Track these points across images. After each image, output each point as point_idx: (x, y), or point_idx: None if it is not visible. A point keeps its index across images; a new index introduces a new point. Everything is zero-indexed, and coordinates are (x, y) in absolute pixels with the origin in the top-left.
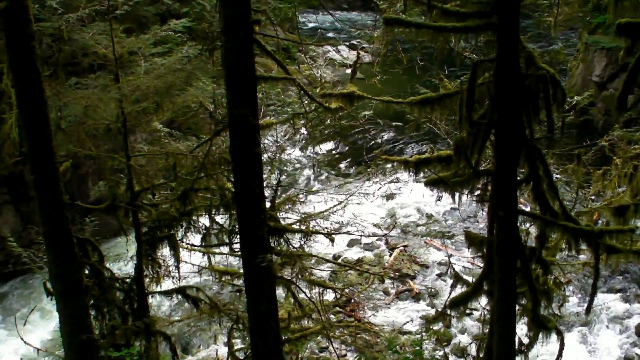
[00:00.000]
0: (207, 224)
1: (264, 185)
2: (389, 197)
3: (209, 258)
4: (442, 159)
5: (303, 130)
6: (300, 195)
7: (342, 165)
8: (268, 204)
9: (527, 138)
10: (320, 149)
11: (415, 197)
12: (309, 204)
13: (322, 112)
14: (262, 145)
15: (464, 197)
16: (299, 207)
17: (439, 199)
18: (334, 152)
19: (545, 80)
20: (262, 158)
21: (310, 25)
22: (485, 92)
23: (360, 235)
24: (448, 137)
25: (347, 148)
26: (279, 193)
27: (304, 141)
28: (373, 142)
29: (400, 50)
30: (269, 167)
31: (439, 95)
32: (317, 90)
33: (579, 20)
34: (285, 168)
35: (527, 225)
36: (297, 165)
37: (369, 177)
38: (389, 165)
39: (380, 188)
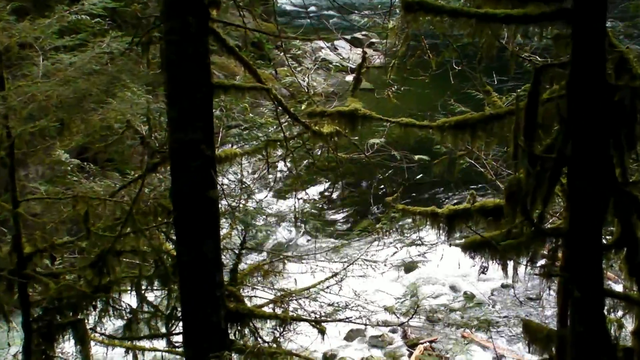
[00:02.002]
0: (134, 304)
1: (222, 247)
2: (409, 267)
3: (135, 357)
4: (488, 211)
5: (281, 166)
6: (276, 263)
7: (338, 218)
8: (227, 276)
9: (617, 181)
10: (307, 193)
11: (447, 267)
12: (288, 276)
13: (310, 138)
14: (219, 186)
15: (521, 269)
16: (274, 280)
17: (484, 271)
18: (326, 198)
19: None
20: (220, 206)
21: (294, 10)
22: (554, 113)
23: (365, 325)
24: (497, 179)
25: (346, 193)
26: (243, 259)
27: (282, 182)
28: (385, 184)
29: (427, 49)
30: (229, 220)
31: (483, 116)
32: (303, 107)
33: None
34: (253, 221)
35: (619, 313)
36: (272, 218)
37: (378, 236)
38: (409, 220)
39: (395, 254)
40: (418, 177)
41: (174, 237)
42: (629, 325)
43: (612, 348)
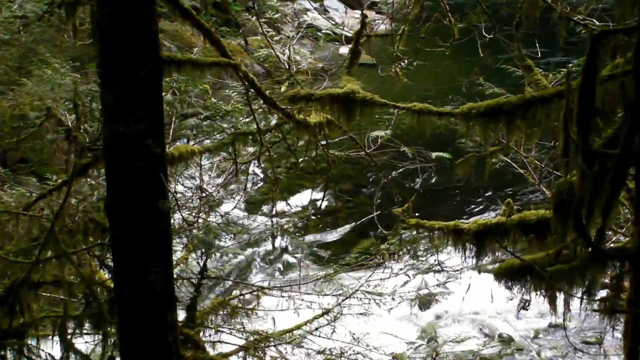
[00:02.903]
0: (57, 354)
1: (175, 276)
2: (425, 302)
3: None
4: (529, 226)
5: (254, 167)
6: (248, 297)
7: (329, 237)
8: (182, 315)
9: None
10: (288, 204)
11: (475, 301)
12: (264, 315)
13: (292, 131)
14: (171, 196)
15: (575, 304)
16: (245, 319)
17: (525, 306)
18: (314, 209)
19: None
20: (173, 222)
21: None
22: (617, 95)
23: None
24: (540, 182)
25: (340, 203)
26: (204, 292)
27: (255, 189)
28: (392, 191)
29: (448, 10)
30: (184, 240)
31: (523, 100)
32: (283, 89)
33: None
34: (217, 242)
35: None
36: (243, 236)
37: (383, 261)
38: (424, 239)
39: (406, 284)
40: (436, 181)
41: (111, 264)
42: None
43: None
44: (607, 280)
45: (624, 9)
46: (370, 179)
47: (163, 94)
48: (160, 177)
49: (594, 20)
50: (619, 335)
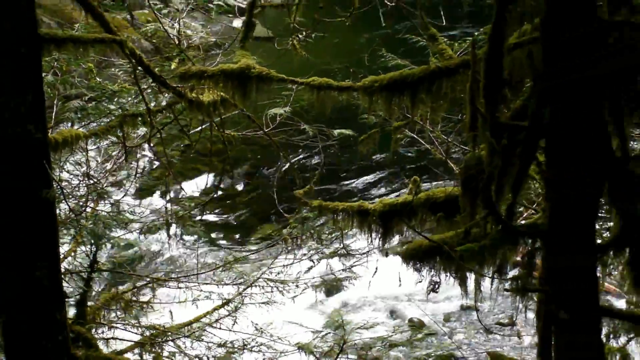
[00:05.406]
0: None
1: (63, 270)
2: (331, 288)
3: None
4: (437, 204)
5: (145, 150)
6: (142, 289)
7: (228, 223)
8: (72, 311)
9: (614, 157)
10: (182, 189)
11: (384, 286)
12: (160, 308)
13: (185, 111)
14: (56, 184)
15: (487, 284)
16: (140, 313)
17: (435, 288)
18: (210, 195)
19: None
20: (58, 212)
21: None
22: (526, 64)
23: None
24: (448, 158)
25: (238, 187)
26: (95, 285)
27: (147, 174)
28: (293, 172)
29: None
30: (72, 232)
31: (427, 71)
32: (173, 66)
33: None
34: (107, 232)
35: (622, 339)
36: (135, 225)
37: (285, 247)
38: (328, 221)
39: (310, 269)
40: (339, 160)
41: None
42: (637, 355)
43: None
44: (518, 259)
45: None
46: (270, 160)
47: (43, 74)
48: (43, 165)
49: None
50: (531, 315)
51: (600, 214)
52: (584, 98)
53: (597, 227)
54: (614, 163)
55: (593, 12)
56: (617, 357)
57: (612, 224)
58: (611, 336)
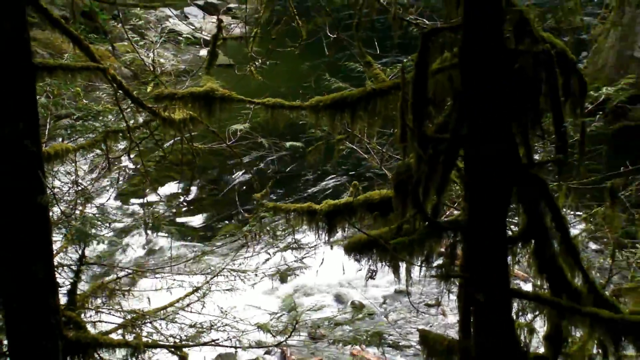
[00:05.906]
0: None
1: (56, 264)
2: (284, 276)
3: None
4: (373, 204)
5: (126, 161)
6: (124, 279)
7: (197, 222)
8: (64, 299)
9: (521, 164)
10: (158, 194)
11: (330, 274)
12: (139, 295)
13: (159, 127)
14: (49, 191)
15: (416, 271)
16: (122, 300)
17: (372, 275)
18: (181, 198)
19: (549, 61)
20: (51, 214)
21: None
22: (446, 85)
23: (235, 347)
24: (382, 165)
25: (205, 191)
26: (83, 277)
27: (127, 181)
28: (252, 178)
29: (295, 13)
30: (63, 231)
31: (364, 92)
32: (149, 89)
33: None
34: (93, 231)
35: (529, 316)
36: (118, 225)
37: (246, 242)
38: (282, 220)
39: (267, 261)
40: (290, 168)
41: None
42: (541, 330)
43: (523, 357)
44: (442, 250)
45: (449, 9)
46: (232, 169)
47: (37, 97)
48: (38, 175)
49: (424, 20)
50: (454, 297)
51: (510, 211)
52: (494, 113)
53: (507, 222)
54: (521, 169)
55: (501, 42)
56: (525, 331)
57: (519, 219)
58: (520, 314)
